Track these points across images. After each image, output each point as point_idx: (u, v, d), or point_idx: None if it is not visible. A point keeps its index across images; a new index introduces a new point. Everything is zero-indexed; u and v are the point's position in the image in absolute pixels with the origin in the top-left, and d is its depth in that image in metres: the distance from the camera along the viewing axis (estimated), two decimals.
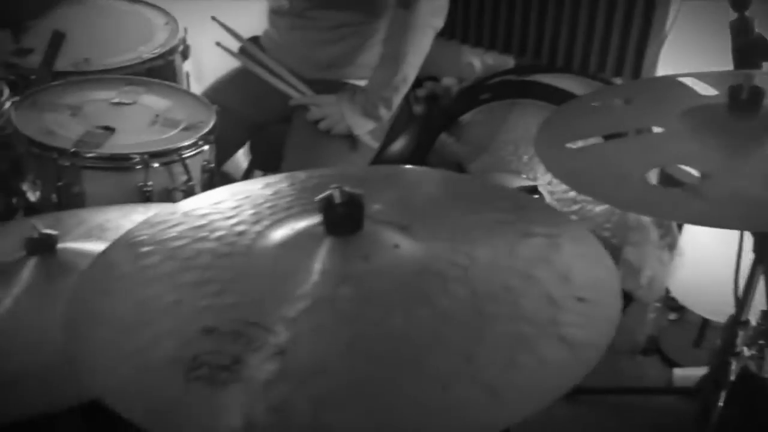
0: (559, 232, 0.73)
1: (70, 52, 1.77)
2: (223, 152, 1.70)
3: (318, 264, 0.67)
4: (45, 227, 0.96)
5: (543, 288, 0.64)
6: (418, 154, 1.95)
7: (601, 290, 0.65)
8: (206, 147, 1.50)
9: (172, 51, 1.94)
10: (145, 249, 0.73)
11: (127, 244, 0.75)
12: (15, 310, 0.86)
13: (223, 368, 0.56)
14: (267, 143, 1.81)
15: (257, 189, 0.86)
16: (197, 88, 2.22)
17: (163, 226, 0.78)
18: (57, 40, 1.67)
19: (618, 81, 1.92)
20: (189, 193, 1.47)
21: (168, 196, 1.46)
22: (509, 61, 2.11)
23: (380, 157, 1.75)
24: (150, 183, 1.41)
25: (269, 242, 0.72)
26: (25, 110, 1.45)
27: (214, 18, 1.75)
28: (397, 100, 1.62)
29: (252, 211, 0.80)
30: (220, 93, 1.76)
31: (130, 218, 1.13)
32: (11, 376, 0.76)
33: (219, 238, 0.74)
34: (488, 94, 2.05)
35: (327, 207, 0.69)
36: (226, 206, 0.82)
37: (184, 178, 1.47)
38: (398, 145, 1.82)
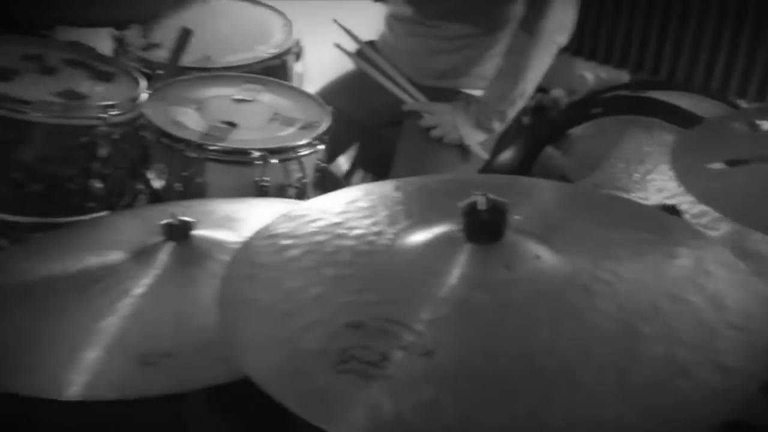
0: (706, 255, 0.70)
1: (193, 49, 1.85)
2: (333, 152, 1.73)
3: (458, 269, 0.67)
4: (179, 214, 1.01)
5: (695, 312, 0.62)
6: (524, 166, 1.93)
7: (757, 319, 0.62)
8: (321, 146, 1.54)
9: (287, 52, 2.00)
10: (287, 242, 0.76)
11: (268, 235, 0.78)
12: (153, 292, 0.90)
13: (372, 364, 0.57)
14: (376, 146, 1.83)
15: (389, 191, 0.88)
16: (307, 88, 2.29)
17: (302, 220, 0.81)
18: (184, 36, 1.75)
19: (742, 103, 1.84)
20: (302, 190, 1.51)
21: (282, 191, 1.50)
22: (624, 76, 2.05)
23: (488, 167, 1.74)
24: (267, 178, 1.45)
25: (408, 244, 0.73)
26: (155, 102, 1.52)
27: (335, 21, 1.79)
28: (512, 114, 1.61)
29: (386, 212, 0.81)
30: (333, 94, 1.79)
31: (254, 211, 1.18)
32: (150, 355, 0.80)
33: (358, 237, 0.75)
34: (600, 108, 2.00)
35: (470, 213, 0.69)
36: (360, 205, 0.84)
37: (299, 175, 1.50)
38: (506, 156, 1.81)
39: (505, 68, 1.58)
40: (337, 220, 0.80)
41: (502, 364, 0.58)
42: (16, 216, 1.23)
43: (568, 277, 0.66)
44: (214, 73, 1.77)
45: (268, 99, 1.66)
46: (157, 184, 1.50)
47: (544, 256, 0.69)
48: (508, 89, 1.57)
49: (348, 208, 0.83)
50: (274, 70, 1.99)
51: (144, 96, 1.32)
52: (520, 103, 1.60)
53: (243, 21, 2.16)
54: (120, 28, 1.68)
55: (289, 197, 1.52)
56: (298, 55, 2.06)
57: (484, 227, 0.69)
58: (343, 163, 2.12)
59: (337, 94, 1.81)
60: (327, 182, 1.63)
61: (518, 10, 1.58)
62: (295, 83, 2.08)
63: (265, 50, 1.98)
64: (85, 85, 1.31)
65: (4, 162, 1.18)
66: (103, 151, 1.26)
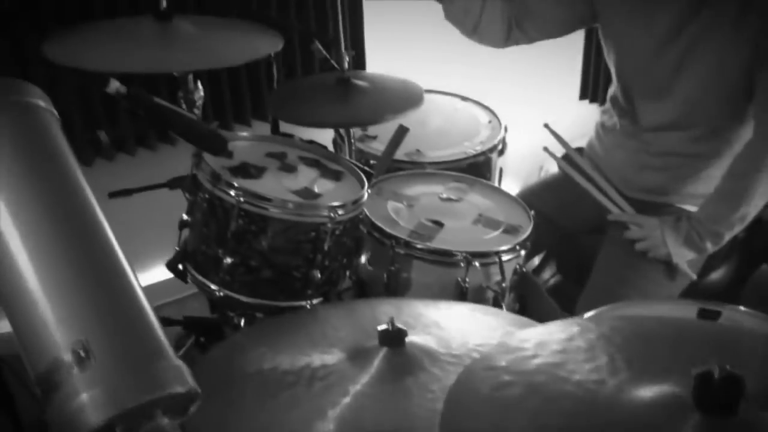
0: None
1: (405, 142, 1.99)
2: (530, 253, 1.74)
3: None
4: (390, 314, 1.08)
5: None
6: (735, 286, 1.80)
7: None
8: (522, 252, 1.56)
9: (492, 149, 2.07)
10: (507, 377, 0.78)
11: (488, 366, 0.81)
12: (368, 397, 0.97)
13: None
14: (574, 252, 1.82)
15: (606, 331, 0.88)
16: (506, 181, 2.35)
17: (521, 354, 0.83)
18: (401, 133, 1.88)
19: None
20: (500, 293, 1.54)
21: (481, 293, 1.54)
22: None
23: (695, 287, 1.65)
24: (468, 279, 1.50)
25: (631, 401, 0.73)
26: (372, 196, 1.65)
27: (546, 125, 1.83)
28: (729, 236, 1.52)
29: (606, 357, 0.81)
30: (536, 196, 1.82)
31: (460, 318, 1.23)
32: None
33: (578, 383, 0.76)
34: None
35: (703, 382, 0.68)
36: (578, 345, 0.84)
37: (498, 278, 1.54)
38: (717, 275, 1.71)
39: (727, 189, 1.51)
40: (556, 360, 0.81)
41: None
42: (249, 297, 1.38)
43: None
44: (424, 170, 1.88)
45: (473, 199, 1.73)
46: (365, 274, 1.61)
47: None
48: (729, 211, 1.50)
49: (566, 347, 0.84)
50: (479, 166, 2.07)
51: (366, 196, 1.44)
52: (739, 227, 1.52)
53: (453, 116, 2.28)
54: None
55: (487, 299, 1.56)
56: (501, 151, 2.13)
57: (717, 398, 0.67)
58: (534, 259, 2.12)
59: (539, 196, 1.83)
60: (525, 286, 1.64)
61: (745, 133, 1.52)
62: (495, 176, 2.15)
63: (472, 147, 2.07)
64: (319, 184, 1.45)
65: (246, 249, 1.34)
66: (326, 245, 1.38)
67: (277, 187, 1.40)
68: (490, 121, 2.22)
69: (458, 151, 2.04)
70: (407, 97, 1.77)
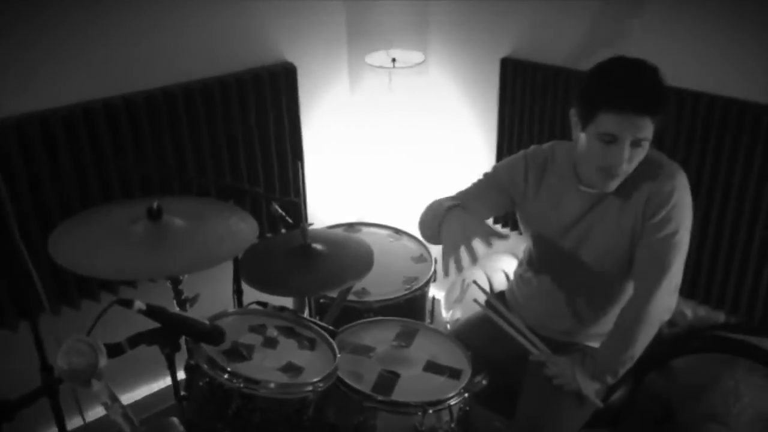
0: None
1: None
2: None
3: None
4: None
5: None
6: (631, 395, 2.19)
7: None
8: (467, 394, 1.89)
9: (427, 282, 2.41)
10: None
11: None
12: None
13: None
14: (502, 382, 2.15)
15: None
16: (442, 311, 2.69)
17: None
18: (346, 292, 2.18)
19: None
20: (449, 430, 1.86)
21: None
22: (720, 316, 2.33)
23: (599, 411, 2.01)
24: (423, 423, 1.81)
25: None
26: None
27: (474, 282, 2.19)
28: (623, 371, 1.91)
29: None
30: (467, 333, 2.16)
31: None
32: None
33: None
34: (699, 343, 2.28)
35: None
36: None
37: (447, 419, 1.86)
38: (617, 395, 2.09)
39: (618, 335, 1.89)
40: None
41: None
42: None
43: None
44: (375, 318, 2.17)
45: (420, 343, 2.05)
46: (334, 420, 1.88)
47: None
48: (620, 353, 1.88)
49: None
50: (417, 299, 2.39)
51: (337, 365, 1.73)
52: (630, 364, 1.91)
53: (389, 250, 2.57)
54: None
55: None
56: (433, 279, 2.45)
57: None
58: None
59: (470, 332, 2.18)
60: (469, 422, 1.96)
61: (629, 291, 1.93)
62: (428, 303, 2.47)
63: (409, 283, 2.38)
64: (298, 357, 1.73)
65: (243, 424, 1.60)
66: (310, 411, 1.66)
67: (266, 366, 1.66)
68: (421, 255, 2.56)
69: (398, 287, 2.37)
70: (363, 259, 2.06)
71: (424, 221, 1.94)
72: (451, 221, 1.78)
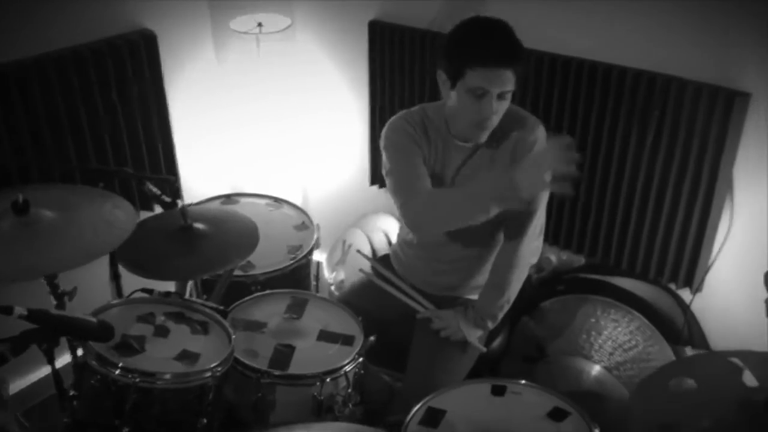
0: None
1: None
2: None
3: None
4: None
5: None
6: (508, 338, 2.38)
7: None
8: (360, 359, 1.96)
9: (311, 250, 2.43)
10: None
11: None
12: None
13: None
14: (392, 340, 2.25)
15: None
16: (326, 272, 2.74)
17: None
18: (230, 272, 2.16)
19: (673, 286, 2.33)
20: (347, 396, 1.93)
21: (332, 399, 1.91)
22: (581, 260, 2.55)
23: (485, 355, 2.17)
24: (322, 392, 1.86)
25: None
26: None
27: (358, 251, 2.25)
28: (501, 315, 2.07)
29: None
30: (355, 298, 2.24)
31: None
32: None
33: None
34: (563, 286, 2.50)
35: None
36: None
37: (344, 384, 1.93)
38: (497, 342, 2.26)
39: (493, 282, 2.04)
40: None
41: None
42: None
43: None
44: (263, 292, 2.17)
45: (311, 313, 2.09)
46: (232, 399, 1.89)
47: None
48: (497, 298, 2.04)
49: None
50: (302, 267, 2.41)
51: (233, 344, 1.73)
52: (507, 307, 2.07)
53: (270, 219, 2.55)
54: None
55: (338, 401, 1.92)
56: (317, 246, 2.48)
57: None
58: None
59: (357, 295, 2.26)
60: (365, 382, 2.03)
61: (501, 238, 2.07)
62: (313, 271, 2.50)
63: (294, 252, 2.40)
64: (193, 343, 1.71)
65: (142, 417, 1.57)
66: (210, 396, 1.66)
67: (158, 357, 1.63)
68: (303, 222, 2.57)
69: (283, 257, 2.37)
70: (248, 235, 2.04)
71: (439, 216, 1.88)
72: (525, 167, 1.67)
